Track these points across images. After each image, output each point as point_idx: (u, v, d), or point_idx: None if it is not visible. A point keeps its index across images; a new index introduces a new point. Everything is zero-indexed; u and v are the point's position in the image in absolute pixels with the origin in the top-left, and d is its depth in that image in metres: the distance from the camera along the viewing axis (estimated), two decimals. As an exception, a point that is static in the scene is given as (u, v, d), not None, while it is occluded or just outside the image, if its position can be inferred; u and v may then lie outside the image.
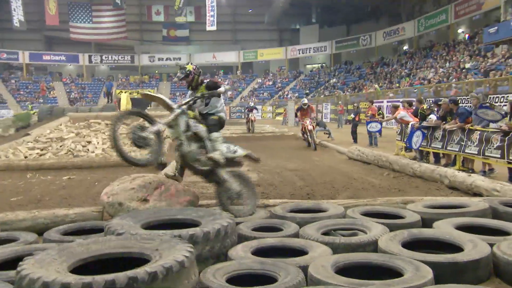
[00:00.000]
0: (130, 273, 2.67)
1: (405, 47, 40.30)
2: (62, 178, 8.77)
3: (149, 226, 4.08)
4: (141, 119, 4.96)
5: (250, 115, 21.60)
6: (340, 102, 29.74)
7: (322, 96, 38.42)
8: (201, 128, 5.06)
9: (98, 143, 11.87)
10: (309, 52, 47.50)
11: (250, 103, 27.44)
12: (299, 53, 48.05)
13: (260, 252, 3.81)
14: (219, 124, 5.33)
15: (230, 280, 3.19)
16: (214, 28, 43.27)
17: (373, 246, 3.81)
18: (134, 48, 51.21)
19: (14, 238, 4.12)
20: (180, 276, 2.85)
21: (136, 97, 40.81)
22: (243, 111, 40.74)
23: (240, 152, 5.27)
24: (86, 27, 46.46)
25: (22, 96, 44.06)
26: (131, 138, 4.39)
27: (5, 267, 3.51)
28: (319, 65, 48.41)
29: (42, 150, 11.27)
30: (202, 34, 49.05)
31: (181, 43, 50.65)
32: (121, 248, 3.32)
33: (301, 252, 3.78)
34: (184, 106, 4.91)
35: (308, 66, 49.87)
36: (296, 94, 41.40)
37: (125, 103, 28.82)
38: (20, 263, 2.91)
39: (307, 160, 11.46)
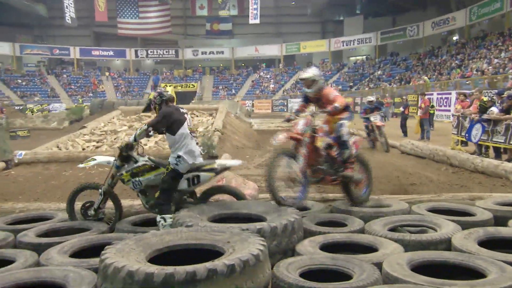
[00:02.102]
0: (209, 265, 2.69)
1: (455, 37, 38.75)
2: (119, 169, 9.03)
3: (215, 219, 4.12)
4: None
5: (371, 119, 12.33)
6: (386, 94, 29.06)
7: (366, 88, 37.66)
8: (147, 180, 4.66)
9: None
10: (353, 44, 46.61)
11: (369, 98, 14.57)
12: (343, 45, 47.20)
13: (327, 247, 3.77)
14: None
15: (302, 275, 3.17)
16: (257, 21, 43.26)
17: (445, 244, 3.68)
18: (178, 42, 52.06)
19: (87, 228, 4.28)
20: (256, 269, 2.86)
21: (180, 90, 41.71)
22: (287, 106, 40.71)
23: (205, 177, 4.61)
24: (133, 23, 47.61)
25: (73, 90, 45.83)
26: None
27: (80, 255, 3.65)
28: (363, 57, 47.41)
29: (97, 142, 11.66)
30: (245, 28, 49.27)
31: (224, 36, 51.03)
32: (193, 239, 3.37)
33: (369, 249, 3.71)
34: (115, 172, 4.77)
35: (351, 58, 48.94)
36: (340, 87, 40.77)
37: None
38: (103, 252, 3.00)
39: (358, 154, 11.22)
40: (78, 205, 4.86)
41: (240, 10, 47.64)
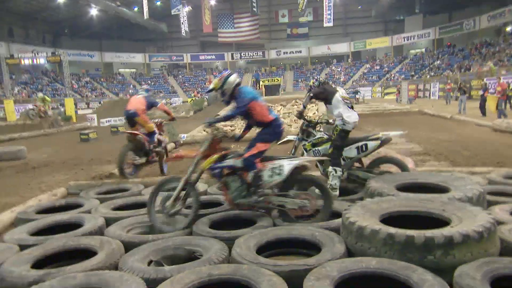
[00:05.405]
0: (462, 230, 2.45)
1: (509, 28, 34.26)
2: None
3: (399, 188, 3.83)
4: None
5: None
6: (449, 81, 26.59)
7: (428, 76, 34.83)
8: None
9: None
10: (413, 39, 43.12)
11: None
12: (404, 41, 43.91)
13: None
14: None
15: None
16: (330, 24, 41.40)
17: None
18: (265, 45, 51.72)
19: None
20: (494, 235, 2.57)
21: (268, 84, 41.62)
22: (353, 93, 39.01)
23: (372, 145, 4.41)
24: (230, 32, 48.13)
25: (186, 87, 47.68)
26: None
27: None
28: (423, 49, 43.68)
29: (231, 126, 11.85)
30: (319, 30, 47.64)
31: (301, 39, 49.78)
32: (407, 207, 3.13)
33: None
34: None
35: (411, 51, 45.36)
36: (403, 76, 38.15)
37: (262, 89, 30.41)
38: (346, 215, 2.87)
39: (452, 132, 10.31)
40: None
41: (315, 16, 46.08)
